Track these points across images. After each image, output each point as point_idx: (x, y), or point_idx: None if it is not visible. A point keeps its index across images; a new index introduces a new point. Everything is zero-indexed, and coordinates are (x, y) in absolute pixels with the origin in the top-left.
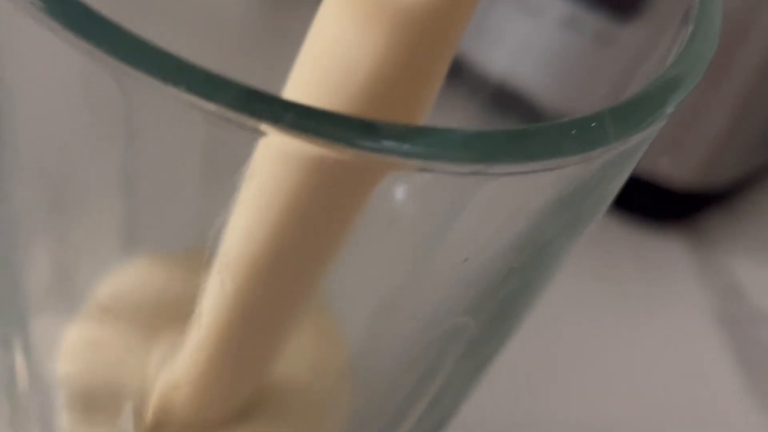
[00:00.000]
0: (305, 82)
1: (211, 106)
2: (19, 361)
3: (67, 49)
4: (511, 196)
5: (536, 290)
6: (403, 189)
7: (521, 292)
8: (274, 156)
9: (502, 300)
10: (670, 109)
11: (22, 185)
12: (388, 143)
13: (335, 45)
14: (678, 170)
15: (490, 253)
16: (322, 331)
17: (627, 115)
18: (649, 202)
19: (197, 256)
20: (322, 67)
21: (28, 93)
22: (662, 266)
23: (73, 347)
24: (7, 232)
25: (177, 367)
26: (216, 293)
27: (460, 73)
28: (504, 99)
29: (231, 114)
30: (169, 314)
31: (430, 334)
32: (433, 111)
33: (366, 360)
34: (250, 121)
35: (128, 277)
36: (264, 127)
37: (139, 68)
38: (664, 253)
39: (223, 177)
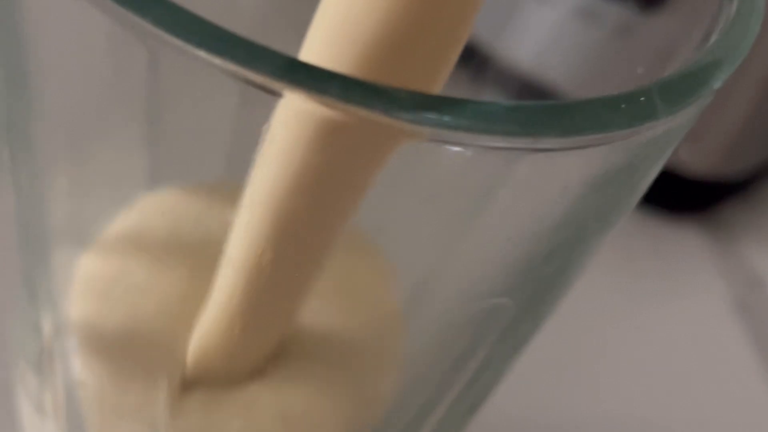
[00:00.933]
0: (318, 42)
1: (247, 73)
2: (43, 303)
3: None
4: (556, 172)
5: (574, 273)
6: (445, 162)
7: (560, 273)
8: (298, 122)
9: (541, 281)
10: (717, 85)
11: (45, 119)
12: (431, 115)
13: (346, 6)
14: (697, 160)
15: (533, 232)
16: (376, 279)
17: (675, 89)
18: (668, 192)
19: (225, 191)
20: (333, 25)
21: (55, 48)
22: (681, 256)
23: (88, 283)
24: (29, 164)
25: (209, 311)
26: (243, 235)
27: (485, 68)
28: (530, 93)
29: (267, 81)
30: (196, 251)
31: (467, 314)
32: None
33: (403, 339)
34: (287, 89)
35: (152, 210)
36: (302, 96)
37: (174, 34)
38: (682, 243)
39: (252, 116)
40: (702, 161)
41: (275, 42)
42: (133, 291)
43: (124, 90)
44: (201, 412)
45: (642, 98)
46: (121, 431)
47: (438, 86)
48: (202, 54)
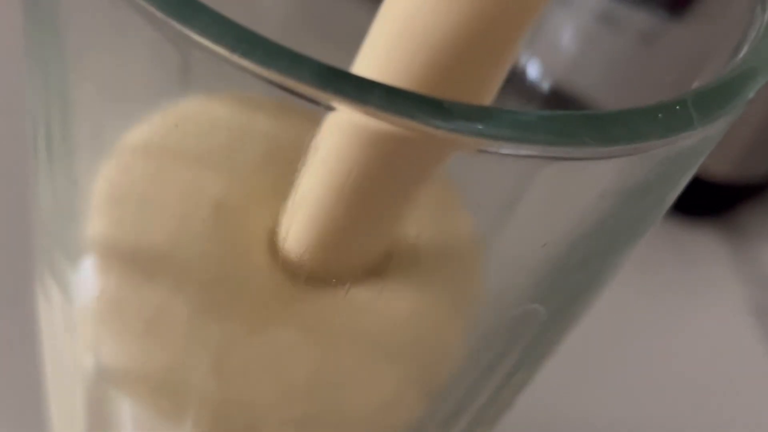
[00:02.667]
0: (377, 52)
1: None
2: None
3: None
4: (591, 181)
5: (605, 280)
6: (481, 169)
7: (592, 280)
8: (341, 130)
9: (572, 288)
10: (750, 94)
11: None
12: (463, 123)
13: (409, 14)
14: (715, 163)
15: (567, 240)
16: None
17: (710, 100)
18: (686, 195)
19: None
20: (394, 36)
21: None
22: (698, 259)
23: (113, 194)
24: (55, 58)
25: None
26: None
27: (510, 77)
28: (555, 103)
29: (308, 90)
30: (231, 155)
31: (500, 321)
32: None
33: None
34: (326, 98)
35: (175, 117)
36: (337, 104)
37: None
38: (700, 246)
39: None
40: (720, 164)
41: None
42: (168, 204)
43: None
44: (301, 314)
45: (678, 107)
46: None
47: (488, 100)
48: (244, 62)
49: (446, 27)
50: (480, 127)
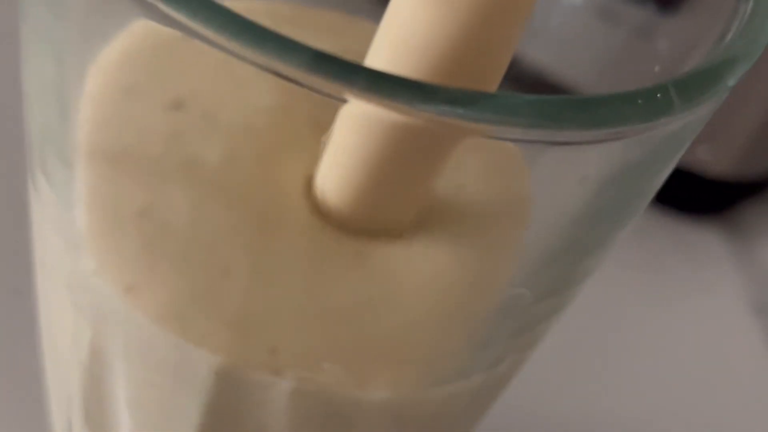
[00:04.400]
0: (379, 60)
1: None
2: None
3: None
4: (575, 166)
5: (591, 265)
6: (465, 153)
7: (578, 266)
8: (349, 116)
9: (559, 273)
10: (732, 82)
11: None
12: (448, 107)
13: (408, 24)
14: (716, 160)
15: (551, 223)
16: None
17: (691, 86)
18: (687, 193)
19: None
20: (394, 46)
21: None
22: (699, 256)
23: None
24: None
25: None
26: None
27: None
28: (546, 92)
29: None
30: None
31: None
32: None
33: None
34: (327, 86)
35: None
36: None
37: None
38: (701, 243)
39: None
40: (721, 162)
41: None
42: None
43: None
44: (336, 268)
45: (659, 94)
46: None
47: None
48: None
49: (442, 38)
50: (463, 110)
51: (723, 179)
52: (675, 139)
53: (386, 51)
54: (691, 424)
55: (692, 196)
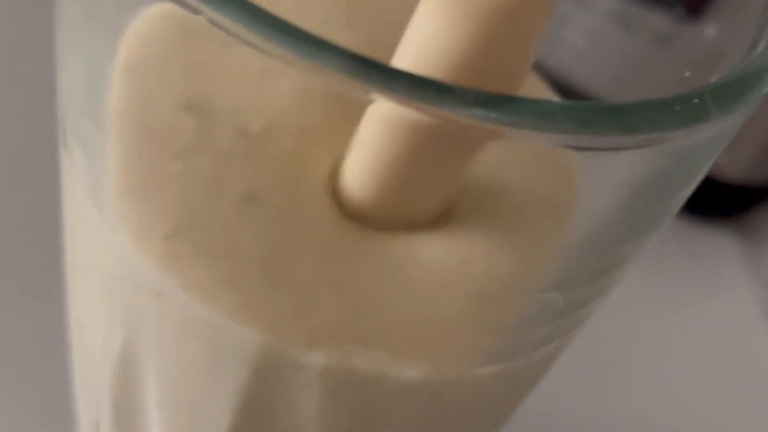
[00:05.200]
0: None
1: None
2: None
3: None
4: (609, 171)
5: (622, 270)
6: (497, 157)
7: (609, 270)
8: (378, 115)
9: (590, 277)
10: (766, 89)
11: None
12: (491, 112)
13: (427, 39)
14: (731, 165)
15: (584, 228)
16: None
17: (727, 93)
18: (700, 196)
19: None
20: (414, 58)
21: None
22: (713, 260)
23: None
24: None
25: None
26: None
27: None
28: (565, 97)
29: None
30: None
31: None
32: None
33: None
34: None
35: None
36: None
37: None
38: (714, 247)
39: None
40: (736, 166)
41: None
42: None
43: None
44: (366, 256)
45: (695, 100)
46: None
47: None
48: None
49: (461, 49)
50: (500, 114)
51: (736, 183)
52: (708, 145)
53: (410, 60)
54: (703, 427)
55: (705, 199)
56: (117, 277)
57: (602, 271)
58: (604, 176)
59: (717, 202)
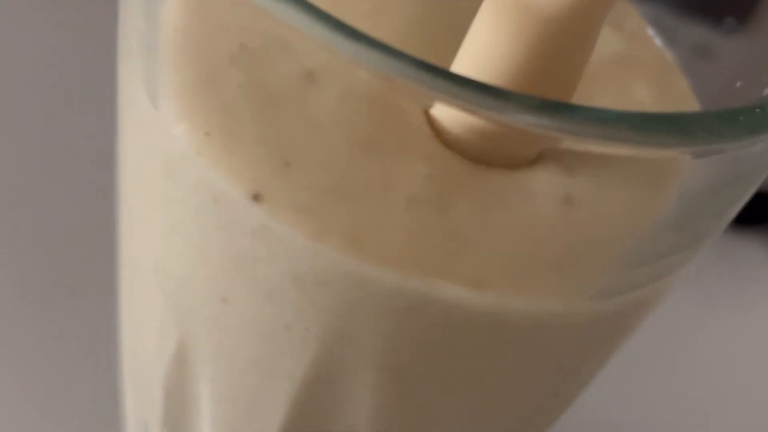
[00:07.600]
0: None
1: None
2: None
3: None
4: (670, 179)
5: (679, 276)
6: (553, 165)
7: (665, 275)
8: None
9: (643, 282)
10: None
11: None
12: (548, 119)
13: (484, 50)
14: None
15: (641, 234)
16: None
17: None
18: None
19: None
20: (474, 63)
21: None
22: (745, 267)
23: None
24: None
25: None
26: None
27: None
28: None
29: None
30: None
31: None
32: None
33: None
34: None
35: None
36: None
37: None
38: (747, 254)
39: None
40: None
41: None
42: None
43: None
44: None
45: (758, 111)
46: None
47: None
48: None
49: (511, 64)
50: (562, 122)
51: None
52: (765, 156)
53: (470, 65)
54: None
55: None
56: (180, 282)
57: (656, 276)
58: (663, 184)
59: (749, 210)
